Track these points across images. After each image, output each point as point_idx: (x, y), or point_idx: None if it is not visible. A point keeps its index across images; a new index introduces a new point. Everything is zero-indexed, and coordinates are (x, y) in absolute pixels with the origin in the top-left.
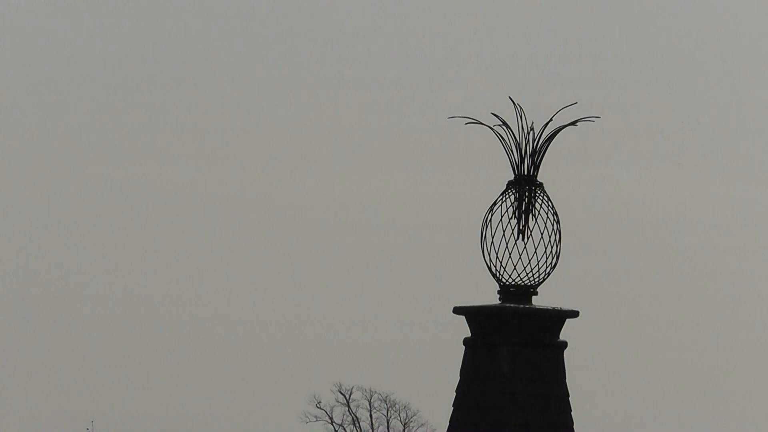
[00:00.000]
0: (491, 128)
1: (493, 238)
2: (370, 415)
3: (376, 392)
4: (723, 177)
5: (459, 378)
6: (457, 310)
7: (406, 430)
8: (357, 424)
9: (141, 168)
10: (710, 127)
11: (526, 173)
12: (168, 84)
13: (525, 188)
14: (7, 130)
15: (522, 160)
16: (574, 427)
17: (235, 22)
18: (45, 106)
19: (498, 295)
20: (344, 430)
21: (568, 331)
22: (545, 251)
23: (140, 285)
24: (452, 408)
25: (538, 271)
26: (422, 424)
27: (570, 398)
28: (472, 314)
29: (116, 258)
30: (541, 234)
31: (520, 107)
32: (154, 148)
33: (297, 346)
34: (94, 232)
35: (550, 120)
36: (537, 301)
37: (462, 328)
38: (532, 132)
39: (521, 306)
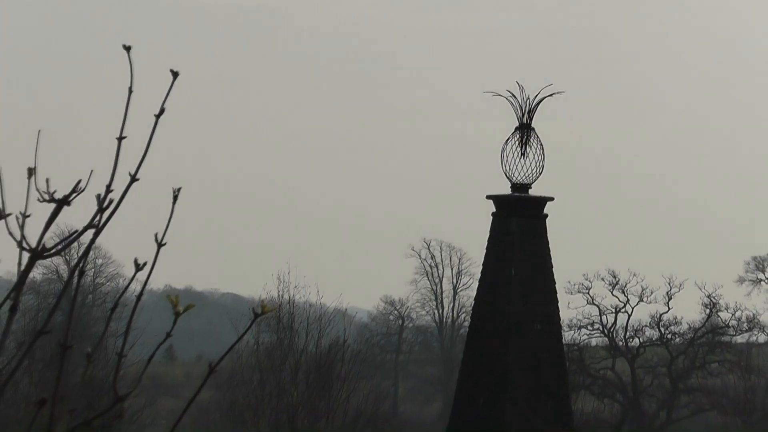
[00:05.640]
0: (506, 98)
1: (507, 157)
2: (441, 254)
3: (443, 241)
4: (646, 123)
5: (489, 233)
6: (489, 197)
7: (460, 262)
8: (434, 260)
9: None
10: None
11: (525, 122)
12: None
13: (524, 130)
14: None
15: (523, 115)
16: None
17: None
18: None
19: (510, 189)
20: (426, 262)
21: (548, 208)
22: (536, 165)
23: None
24: (485, 250)
25: (532, 175)
26: (469, 260)
27: (549, 246)
28: (497, 199)
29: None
30: (533, 155)
31: (522, 86)
32: None
33: (404, 214)
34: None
35: (538, 94)
36: (532, 192)
37: (491, 207)
38: (528, 100)
39: (523, 194)
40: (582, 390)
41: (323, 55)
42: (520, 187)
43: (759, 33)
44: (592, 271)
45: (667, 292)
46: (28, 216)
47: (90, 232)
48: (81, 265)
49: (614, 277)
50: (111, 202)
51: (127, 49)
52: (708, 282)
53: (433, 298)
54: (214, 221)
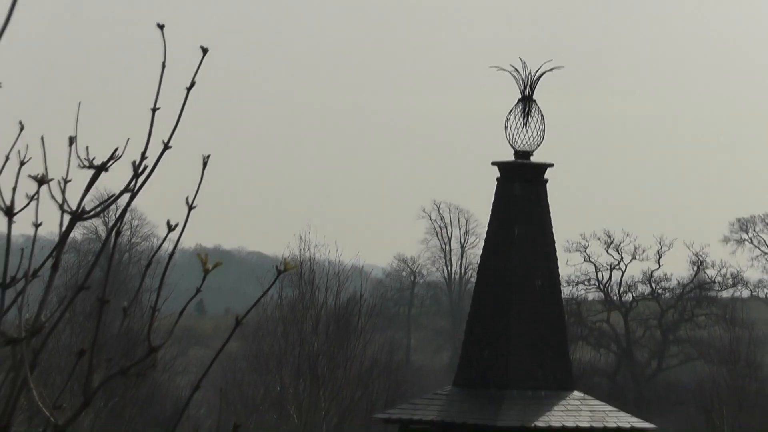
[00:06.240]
0: (510, 73)
1: (511, 126)
2: (450, 215)
3: (452, 204)
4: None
5: (494, 196)
6: (494, 163)
7: (467, 223)
8: (443, 221)
9: None
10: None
11: (527, 94)
12: None
13: (526, 102)
14: None
15: (525, 88)
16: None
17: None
18: None
19: (514, 156)
20: (436, 222)
21: (548, 174)
22: (537, 134)
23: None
24: (491, 212)
25: (533, 143)
26: (475, 221)
27: (549, 207)
28: (501, 165)
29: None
30: (535, 125)
31: (524, 61)
32: None
33: (416, 179)
34: None
35: (539, 68)
36: (533, 159)
37: (496, 172)
38: (530, 74)
39: (525, 161)
40: (579, 341)
41: (339, 30)
42: (522, 155)
43: (755, 4)
44: (589, 231)
45: (658, 251)
46: (69, 181)
47: (126, 196)
48: (118, 226)
49: (609, 236)
50: (146, 168)
51: (161, 27)
52: (696, 241)
53: (443, 256)
54: (241, 185)
